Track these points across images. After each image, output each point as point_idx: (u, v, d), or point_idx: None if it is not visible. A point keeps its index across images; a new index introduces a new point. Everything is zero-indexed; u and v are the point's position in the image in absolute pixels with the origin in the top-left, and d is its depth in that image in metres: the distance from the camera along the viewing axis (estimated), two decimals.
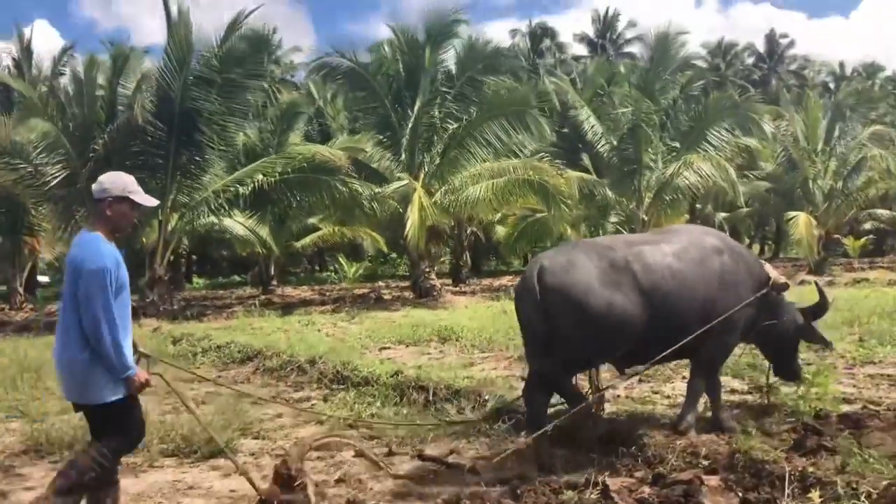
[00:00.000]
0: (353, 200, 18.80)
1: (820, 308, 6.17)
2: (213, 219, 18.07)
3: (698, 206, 31.45)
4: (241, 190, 17.45)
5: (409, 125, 19.69)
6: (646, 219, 23.36)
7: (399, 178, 19.18)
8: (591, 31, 62.90)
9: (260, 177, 17.63)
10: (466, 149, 20.05)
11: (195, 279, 38.21)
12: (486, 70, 20.58)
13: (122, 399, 4.07)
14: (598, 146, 23.93)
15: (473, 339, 11.19)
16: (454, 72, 20.51)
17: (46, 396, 7.78)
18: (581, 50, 62.39)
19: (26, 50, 29.89)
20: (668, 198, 23.25)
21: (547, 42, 60.94)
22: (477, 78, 20.60)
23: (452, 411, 6.56)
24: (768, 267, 6.01)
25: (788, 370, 6.27)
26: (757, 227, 43.31)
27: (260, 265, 26.74)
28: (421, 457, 5.33)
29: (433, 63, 19.61)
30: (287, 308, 19.64)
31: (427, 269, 20.66)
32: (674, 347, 5.36)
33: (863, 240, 31.30)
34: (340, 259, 26.94)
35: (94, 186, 4.22)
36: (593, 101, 25.77)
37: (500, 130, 19.62)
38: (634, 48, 56.83)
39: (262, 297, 24.09)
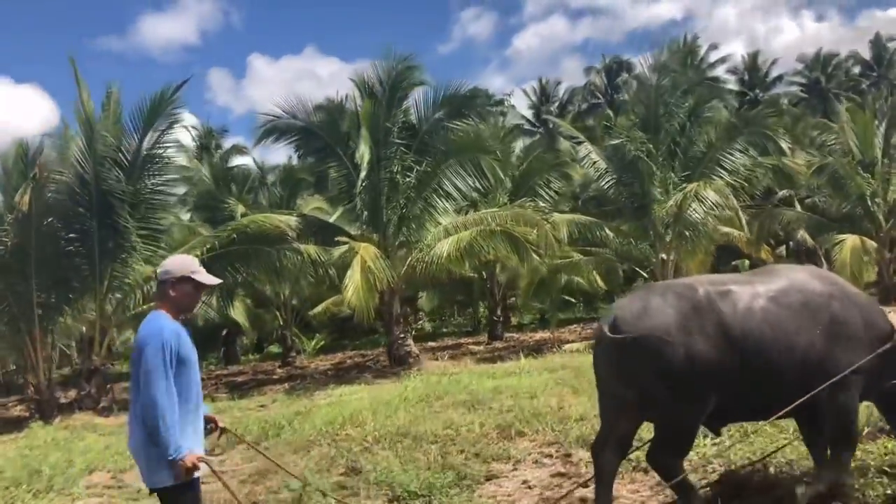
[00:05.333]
0: (298, 269, 17.52)
1: None
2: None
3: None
4: None
5: (366, 181, 18.29)
6: (665, 258, 21.00)
7: (344, 242, 17.73)
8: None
9: (196, 253, 16.65)
10: (429, 202, 18.46)
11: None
12: (450, 116, 18.95)
13: (175, 485, 3.91)
14: (603, 183, 21.74)
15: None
16: (413, 121, 18.97)
17: None
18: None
19: None
20: (687, 233, 20.70)
21: (624, 76, 58.43)
22: (444, 124, 19.06)
23: None
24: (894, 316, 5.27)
25: None
26: None
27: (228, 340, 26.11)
28: None
29: (385, 113, 18.17)
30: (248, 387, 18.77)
31: (401, 335, 18.98)
32: (785, 410, 4.77)
33: None
34: (297, 332, 25.45)
35: (157, 269, 4.35)
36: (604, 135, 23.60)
37: (456, 178, 17.93)
38: (719, 71, 53.33)
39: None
